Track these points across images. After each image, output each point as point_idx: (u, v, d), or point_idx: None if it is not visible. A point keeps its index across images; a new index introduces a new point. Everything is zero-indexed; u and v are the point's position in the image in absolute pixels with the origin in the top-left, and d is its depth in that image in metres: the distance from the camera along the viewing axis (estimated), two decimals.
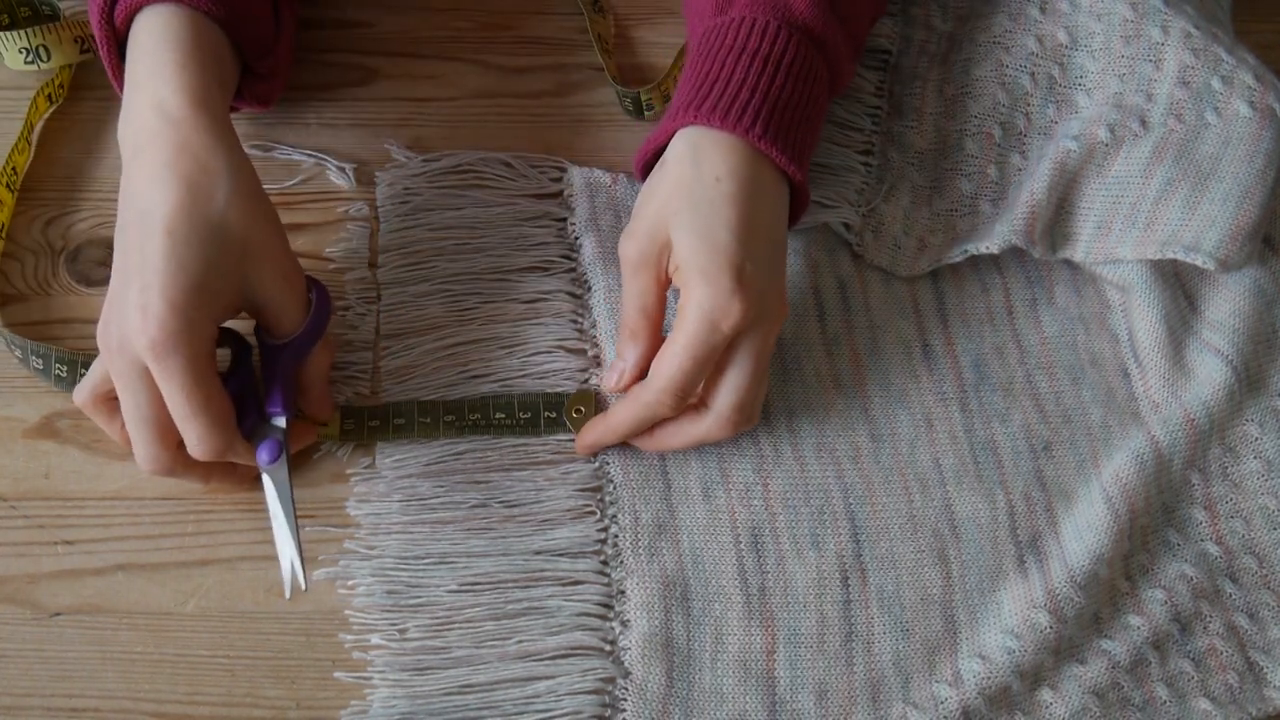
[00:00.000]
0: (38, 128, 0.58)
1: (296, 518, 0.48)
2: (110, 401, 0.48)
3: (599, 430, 0.52)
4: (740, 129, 0.48)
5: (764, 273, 0.48)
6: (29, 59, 0.57)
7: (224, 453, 0.46)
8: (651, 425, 0.51)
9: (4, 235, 0.56)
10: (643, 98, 0.60)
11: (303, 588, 0.48)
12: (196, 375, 0.45)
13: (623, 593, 0.50)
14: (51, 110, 0.59)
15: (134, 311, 0.44)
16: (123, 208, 0.46)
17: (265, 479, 0.48)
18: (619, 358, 0.51)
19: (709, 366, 0.48)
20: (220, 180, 0.46)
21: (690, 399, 0.49)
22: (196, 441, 0.46)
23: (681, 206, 0.48)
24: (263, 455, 0.48)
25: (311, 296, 0.49)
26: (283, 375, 0.49)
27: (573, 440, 0.53)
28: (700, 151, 0.49)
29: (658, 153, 0.51)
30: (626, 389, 0.51)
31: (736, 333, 0.47)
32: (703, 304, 0.47)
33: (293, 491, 0.48)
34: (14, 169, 0.56)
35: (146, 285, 0.44)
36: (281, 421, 0.49)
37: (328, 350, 0.51)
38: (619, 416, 0.51)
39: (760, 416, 0.52)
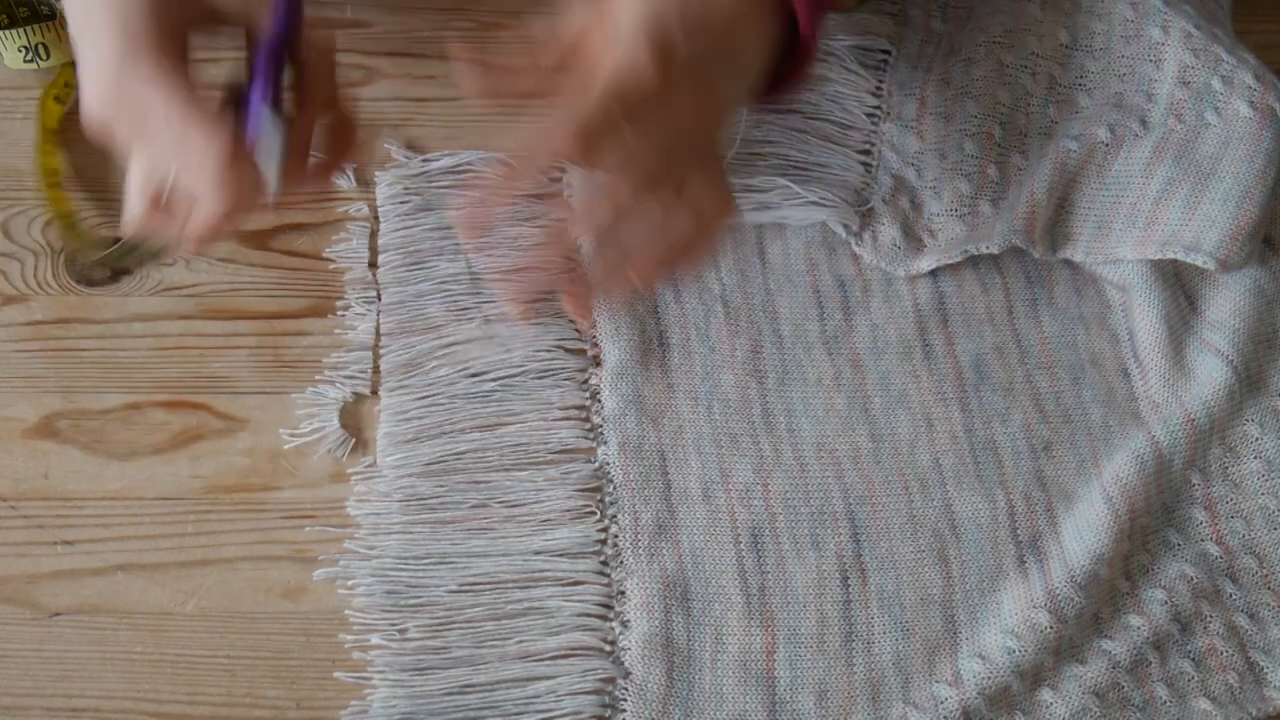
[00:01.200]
0: (57, 129, 0.58)
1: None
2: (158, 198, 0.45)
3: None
4: None
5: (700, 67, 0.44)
6: (28, 57, 0.57)
7: (234, 185, 0.42)
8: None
9: (74, 222, 0.56)
10: None
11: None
12: (169, 90, 0.41)
13: (623, 593, 0.50)
14: (64, 111, 0.58)
15: (85, 77, 0.42)
16: None
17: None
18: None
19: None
20: None
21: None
22: (200, 180, 0.42)
23: None
24: (250, 133, 0.43)
25: None
26: (267, 66, 0.44)
27: (571, 441, 0.53)
28: None
29: None
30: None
31: (642, 98, 0.42)
32: (620, 58, 0.42)
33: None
34: (53, 170, 0.56)
35: (91, 48, 0.42)
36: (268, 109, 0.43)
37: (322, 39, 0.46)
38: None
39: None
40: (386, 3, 0.63)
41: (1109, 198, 0.56)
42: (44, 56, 0.57)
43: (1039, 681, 0.49)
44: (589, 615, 0.50)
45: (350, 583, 0.50)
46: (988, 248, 0.55)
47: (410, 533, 0.51)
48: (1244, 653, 0.51)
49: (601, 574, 0.51)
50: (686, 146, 0.46)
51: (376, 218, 0.58)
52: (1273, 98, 0.55)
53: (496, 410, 0.54)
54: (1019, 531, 0.52)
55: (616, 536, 0.51)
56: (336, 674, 0.49)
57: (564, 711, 0.48)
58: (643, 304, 0.56)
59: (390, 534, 0.51)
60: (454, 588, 0.50)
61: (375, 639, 0.49)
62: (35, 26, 0.57)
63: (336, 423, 0.53)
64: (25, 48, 0.57)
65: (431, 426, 0.53)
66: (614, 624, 0.50)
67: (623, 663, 0.49)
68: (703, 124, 0.47)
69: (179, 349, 0.54)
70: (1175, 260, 0.55)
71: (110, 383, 0.53)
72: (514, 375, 0.54)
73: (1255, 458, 0.54)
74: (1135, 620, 0.50)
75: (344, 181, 0.58)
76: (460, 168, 0.59)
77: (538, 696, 0.48)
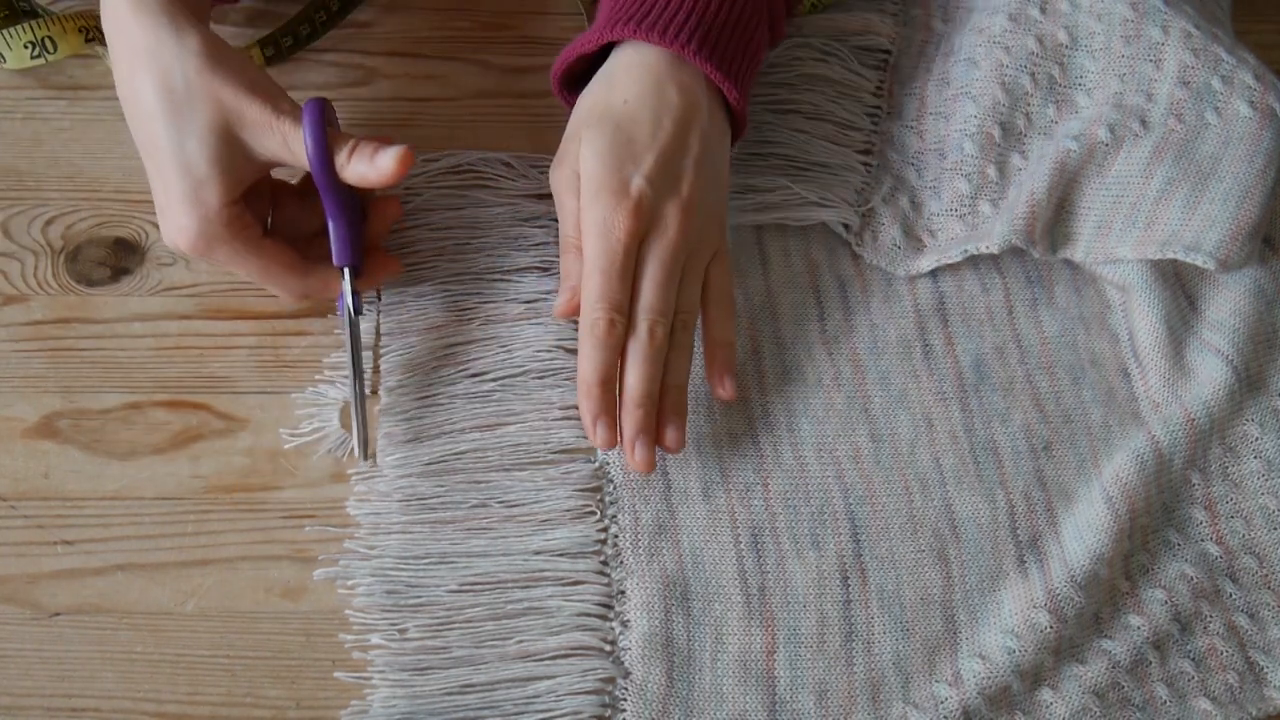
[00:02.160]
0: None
1: (360, 375, 0.51)
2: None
3: (580, 393, 0.50)
4: (676, 44, 0.50)
5: (662, 185, 0.50)
6: (35, 53, 0.57)
7: (308, 297, 0.52)
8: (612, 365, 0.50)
9: None
10: None
11: (359, 458, 0.51)
12: (240, 254, 0.49)
13: (623, 593, 0.50)
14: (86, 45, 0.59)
15: (167, 223, 0.49)
16: (126, 116, 0.49)
17: (347, 331, 0.52)
18: (564, 276, 0.52)
19: (622, 276, 0.49)
20: (173, 64, 0.47)
21: (622, 313, 0.49)
22: (280, 296, 0.53)
23: (587, 128, 0.51)
24: (341, 306, 0.52)
25: (304, 126, 0.48)
26: (333, 220, 0.51)
27: (571, 440, 0.53)
28: (617, 73, 0.51)
29: (571, 66, 0.54)
30: (577, 306, 0.51)
31: (633, 242, 0.49)
32: (594, 219, 0.49)
33: (358, 344, 0.51)
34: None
35: (165, 197, 0.48)
36: (346, 271, 0.52)
37: (388, 205, 0.53)
38: (581, 362, 0.50)
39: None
40: (386, 3, 0.63)
41: (1109, 198, 0.56)
42: (51, 50, 0.57)
43: (1039, 681, 0.49)
44: (589, 615, 0.50)
45: (350, 583, 0.50)
46: (988, 248, 0.55)
47: (410, 533, 0.51)
48: (1244, 652, 0.51)
49: (601, 574, 0.51)
50: (697, 245, 0.52)
51: None
52: (1273, 98, 0.55)
53: (496, 410, 0.54)
54: (1019, 531, 0.52)
55: (616, 536, 0.51)
56: (336, 674, 0.49)
57: (564, 711, 0.48)
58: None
59: (390, 534, 0.51)
60: (454, 587, 0.50)
61: (375, 639, 0.49)
62: (40, 20, 0.57)
63: (336, 423, 0.53)
64: (32, 43, 0.57)
65: (431, 426, 0.53)
66: (614, 624, 0.50)
67: (623, 662, 0.49)
68: (704, 230, 0.52)
69: (179, 349, 0.54)
70: (1175, 260, 0.55)
71: (110, 383, 0.53)
72: (514, 375, 0.54)
73: (1255, 457, 0.54)
74: (1135, 620, 0.50)
75: None
76: (460, 168, 0.59)
77: (538, 696, 0.48)
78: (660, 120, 0.50)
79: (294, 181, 0.54)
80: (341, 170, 0.49)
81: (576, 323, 0.55)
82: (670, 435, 0.50)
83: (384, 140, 0.50)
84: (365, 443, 0.51)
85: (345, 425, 0.53)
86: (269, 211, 0.53)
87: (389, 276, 0.54)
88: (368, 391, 0.52)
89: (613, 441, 0.49)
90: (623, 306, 0.49)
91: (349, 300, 0.51)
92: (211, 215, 0.48)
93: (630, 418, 0.49)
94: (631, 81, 0.51)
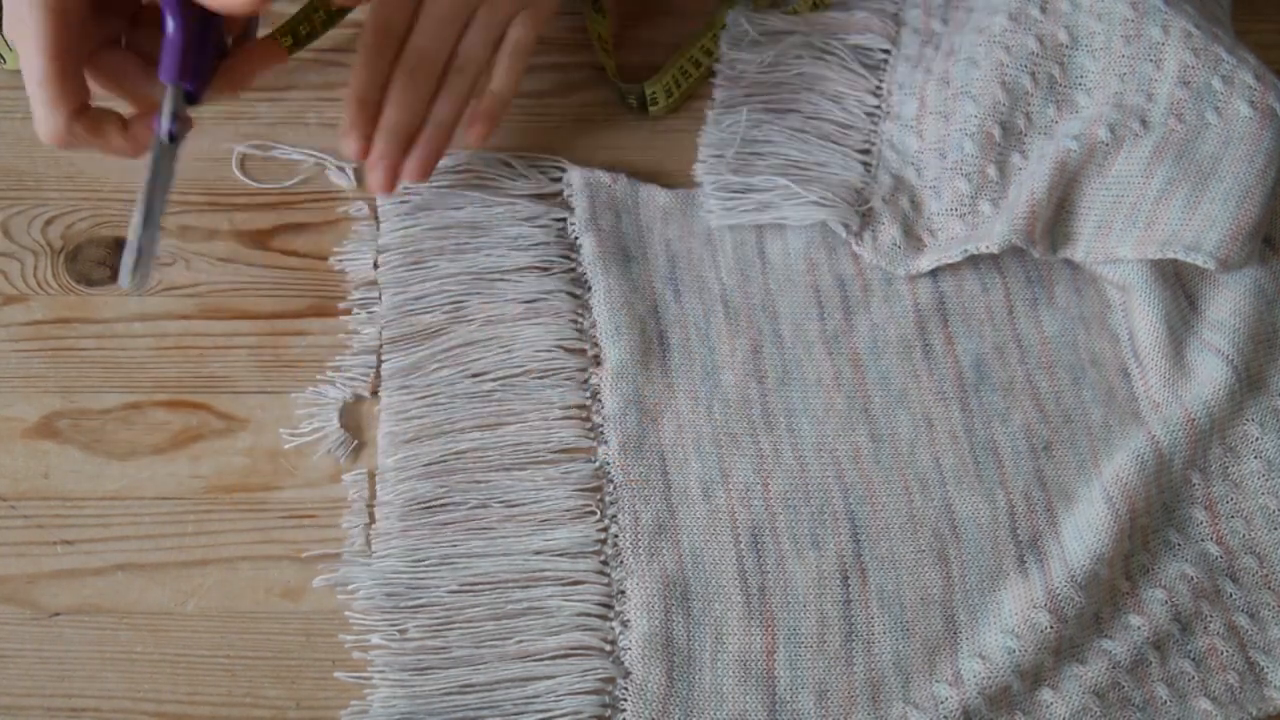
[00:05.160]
0: None
1: (152, 206, 0.46)
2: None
3: (344, 105, 0.52)
4: None
5: None
6: None
7: (63, 138, 0.46)
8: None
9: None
10: (647, 91, 0.60)
11: (123, 284, 0.47)
12: (44, 32, 0.44)
13: (623, 593, 0.50)
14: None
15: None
16: None
17: (151, 151, 0.47)
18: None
19: (399, 6, 0.51)
20: None
21: (392, 36, 0.51)
22: (36, 120, 0.46)
23: None
24: (156, 124, 0.47)
25: None
26: (172, 18, 0.45)
27: (571, 440, 0.53)
28: None
29: None
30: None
31: None
32: None
33: (160, 176, 0.47)
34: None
35: None
36: (170, 88, 0.46)
37: (268, 46, 0.51)
38: (351, 77, 0.52)
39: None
40: None
41: (1109, 197, 0.56)
42: None
43: (1039, 681, 0.49)
44: (589, 615, 0.50)
45: (350, 586, 0.50)
46: (988, 247, 0.55)
47: (410, 534, 0.51)
48: (1244, 652, 0.51)
49: (601, 574, 0.51)
50: None
51: (377, 218, 0.58)
52: (1273, 98, 0.55)
53: (497, 410, 0.54)
54: (1019, 531, 0.52)
55: (616, 536, 0.51)
56: (336, 674, 0.49)
57: (564, 711, 0.48)
58: (643, 303, 0.56)
59: (390, 535, 0.51)
60: (454, 587, 0.50)
61: (375, 639, 0.49)
62: None
63: (336, 423, 0.53)
64: None
65: (431, 426, 0.53)
66: (614, 624, 0.50)
67: (623, 662, 0.49)
68: None
69: (179, 349, 0.54)
70: (1175, 260, 0.55)
71: (110, 383, 0.53)
72: (514, 375, 0.54)
73: (1255, 457, 0.54)
74: (1135, 620, 0.50)
75: (344, 181, 0.58)
76: (460, 168, 0.59)
77: (537, 696, 0.48)
78: None
79: None
80: None
81: (576, 323, 0.56)
82: (410, 164, 0.53)
83: None
84: (136, 267, 0.47)
85: (345, 425, 0.53)
86: (121, 33, 0.49)
87: (267, 66, 0.52)
88: (160, 227, 0.48)
89: (360, 154, 0.52)
90: (397, 34, 0.51)
91: (166, 123, 0.46)
92: None
93: (377, 143, 0.52)
94: None
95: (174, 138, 0.46)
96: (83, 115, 0.47)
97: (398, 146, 0.52)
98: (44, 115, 0.46)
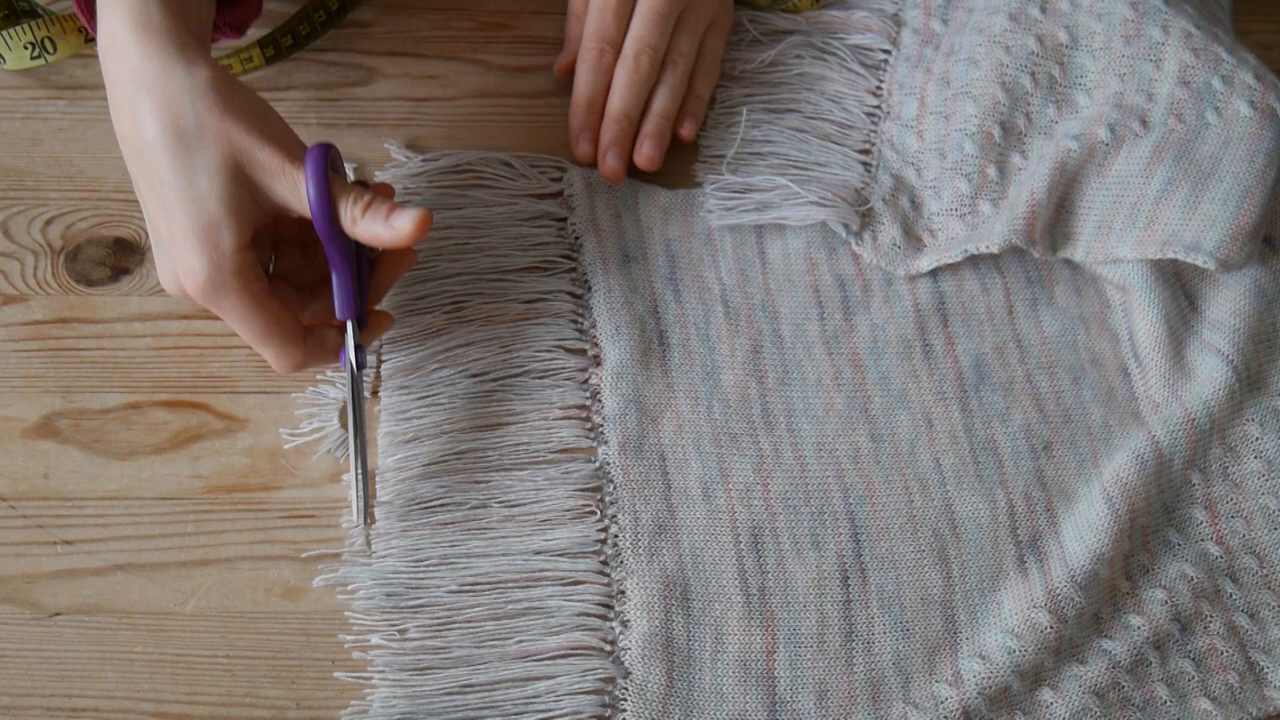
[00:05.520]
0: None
1: (362, 436, 0.49)
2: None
3: (571, 113, 0.58)
4: None
5: None
6: (35, 53, 0.57)
7: (302, 366, 0.49)
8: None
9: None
10: None
11: (355, 521, 0.49)
12: (247, 307, 0.46)
13: (623, 593, 0.50)
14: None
15: (170, 263, 0.46)
16: (121, 145, 0.47)
17: (349, 387, 0.50)
18: (568, 40, 0.60)
19: (616, 14, 0.56)
20: (182, 97, 0.44)
21: (613, 45, 0.57)
22: (272, 363, 0.49)
23: None
24: (343, 362, 0.50)
25: (305, 172, 0.45)
26: (336, 272, 0.48)
27: (571, 440, 0.53)
28: None
29: None
30: (570, 65, 0.59)
31: None
32: None
33: (360, 402, 0.49)
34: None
35: (170, 235, 0.45)
36: (350, 325, 0.49)
37: (404, 255, 0.51)
38: (574, 87, 0.58)
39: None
40: (386, 3, 0.63)
41: (1109, 197, 0.56)
42: (51, 50, 0.57)
43: (1039, 681, 0.49)
44: (589, 615, 0.50)
45: (350, 586, 0.50)
46: (988, 248, 0.55)
47: (410, 534, 0.51)
48: (1244, 652, 0.51)
49: (601, 574, 0.51)
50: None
51: None
52: (1273, 98, 0.55)
53: (497, 410, 0.54)
54: (1019, 531, 0.52)
55: (616, 536, 0.51)
56: (336, 674, 0.49)
57: (564, 711, 0.48)
58: (643, 303, 0.56)
59: (390, 535, 0.51)
60: (454, 588, 0.50)
61: (375, 639, 0.49)
62: (40, 21, 0.57)
63: (336, 423, 0.53)
64: (32, 44, 0.57)
65: (431, 426, 0.53)
66: (614, 624, 0.50)
67: (623, 662, 0.49)
68: None
69: (179, 349, 0.54)
70: (1175, 260, 0.55)
71: (110, 383, 0.53)
72: (514, 375, 0.54)
73: (1255, 457, 0.54)
74: (1135, 620, 0.50)
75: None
76: (460, 168, 0.59)
77: (537, 696, 0.48)
78: None
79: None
80: (351, 227, 0.46)
81: (576, 323, 0.56)
82: (644, 151, 0.57)
83: (387, 190, 0.50)
84: (366, 509, 0.50)
85: (345, 425, 0.53)
86: (270, 260, 0.51)
87: (384, 331, 0.52)
88: (367, 465, 0.49)
89: (591, 156, 0.57)
90: (615, 40, 0.57)
91: (351, 355, 0.49)
92: (224, 259, 0.45)
93: (607, 131, 0.57)
94: None
95: (361, 365, 0.50)
96: (307, 342, 0.49)
97: (625, 132, 0.57)
98: (279, 360, 0.48)
